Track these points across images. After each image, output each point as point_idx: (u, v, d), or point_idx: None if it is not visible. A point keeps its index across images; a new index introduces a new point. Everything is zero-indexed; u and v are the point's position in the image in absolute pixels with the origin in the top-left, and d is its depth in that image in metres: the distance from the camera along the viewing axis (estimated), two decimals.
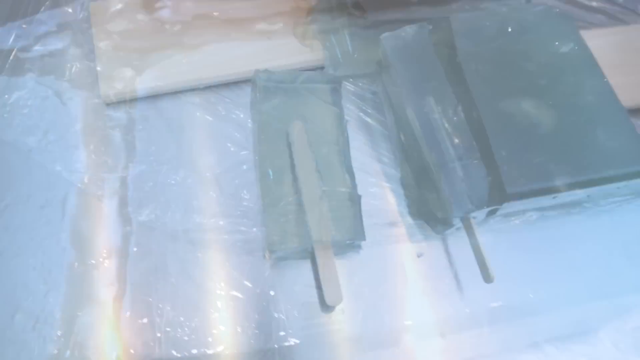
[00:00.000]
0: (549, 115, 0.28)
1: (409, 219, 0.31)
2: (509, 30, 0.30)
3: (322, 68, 0.33)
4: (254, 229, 0.30)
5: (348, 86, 0.34)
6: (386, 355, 0.29)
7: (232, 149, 0.32)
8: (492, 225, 0.31)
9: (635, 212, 0.33)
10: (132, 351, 0.27)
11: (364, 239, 0.29)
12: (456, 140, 0.29)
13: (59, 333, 0.27)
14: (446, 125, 0.29)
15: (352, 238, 0.28)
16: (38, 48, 0.32)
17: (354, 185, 0.30)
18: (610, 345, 0.30)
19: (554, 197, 0.28)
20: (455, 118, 0.29)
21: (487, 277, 0.28)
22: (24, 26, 0.33)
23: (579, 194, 0.29)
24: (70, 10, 0.32)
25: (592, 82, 0.29)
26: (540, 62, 0.29)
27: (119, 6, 0.33)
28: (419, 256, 0.31)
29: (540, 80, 0.29)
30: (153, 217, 0.29)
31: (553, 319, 0.30)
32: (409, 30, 0.29)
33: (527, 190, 0.27)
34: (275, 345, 0.28)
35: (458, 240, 0.31)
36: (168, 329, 0.28)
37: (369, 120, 0.33)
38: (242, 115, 0.32)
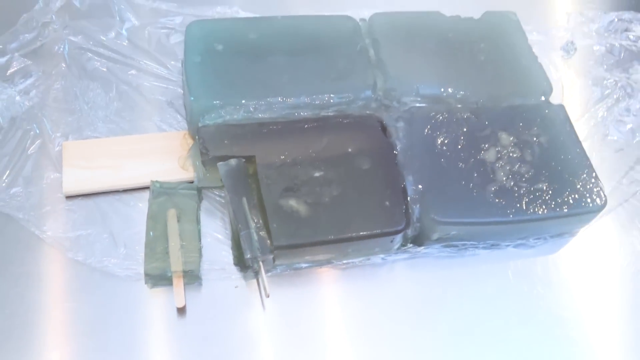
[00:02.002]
0: (305, 208, 0.53)
1: (232, 265, 0.54)
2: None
3: (192, 182, 0.57)
4: (141, 267, 0.53)
5: (209, 193, 0.58)
6: (222, 342, 0.50)
7: (136, 224, 0.55)
8: (281, 271, 0.54)
9: (361, 271, 0.55)
10: None
11: (200, 271, 0.52)
12: (255, 219, 0.53)
13: None
14: (250, 212, 0.53)
15: (193, 269, 0.51)
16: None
17: (200, 244, 0.53)
18: None
19: (305, 257, 0.52)
20: (254, 209, 0.53)
21: (265, 294, 0.51)
22: None
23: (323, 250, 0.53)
24: (50, 145, 0.58)
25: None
26: (305, 177, 0.54)
27: (84, 148, 0.58)
28: (235, 287, 0.53)
29: (302, 188, 0.54)
30: (92, 261, 0.52)
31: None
32: (232, 162, 0.54)
33: (286, 245, 0.51)
34: (146, 336, 0.50)
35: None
36: None
37: (217, 211, 0.57)
38: (144, 207, 0.56)
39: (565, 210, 0.56)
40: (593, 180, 0.57)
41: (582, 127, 0.67)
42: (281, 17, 0.65)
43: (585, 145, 0.61)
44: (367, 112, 0.59)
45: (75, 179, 0.56)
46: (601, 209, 0.57)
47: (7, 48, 0.62)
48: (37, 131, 0.58)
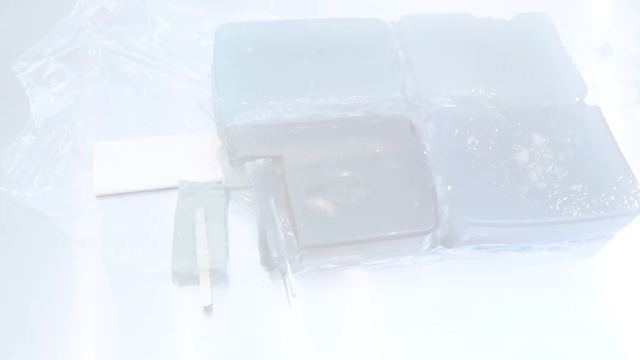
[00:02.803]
0: (332, 208, 0.52)
1: (259, 265, 0.54)
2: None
3: (220, 182, 0.58)
4: (169, 266, 0.53)
5: (237, 194, 0.58)
6: (248, 342, 0.50)
7: (165, 223, 0.55)
8: (308, 272, 0.54)
9: (389, 272, 0.55)
10: None
11: (226, 270, 0.52)
12: (282, 219, 0.52)
13: None
14: (277, 212, 0.53)
15: (219, 268, 0.51)
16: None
17: (227, 243, 0.53)
18: None
19: (333, 257, 0.52)
20: (281, 209, 0.53)
21: (292, 294, 0.50)
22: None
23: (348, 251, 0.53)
24: (82, 146, 0.59)
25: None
26: (333, 177, 0.54)
27: (115, 149, 0.59)
28: (262, 287, 0.53)
29: (329, 188, 0.53)
30: (121, 259, 0.53)
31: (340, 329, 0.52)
32: (260, 162, 0.54)
33: (312, 244, 0.50)
34: (173, 333, 0.50)
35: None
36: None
37: (245, 211, 0.57)
38: (172, 207, 0.57)
39: (601, 212, 0.54)
40: (630, 182, 0.56)
41: (620, 129, 0.65)
42: (310, 20, 0.65)
43: (622, 147, 0.59)
44: (396, 112, 0.58)
45: (106, 179, 0.56)
46: (639, 211, 0.55)
47: (43, 52, 0.63)
48: (70, 132, 0.59)
